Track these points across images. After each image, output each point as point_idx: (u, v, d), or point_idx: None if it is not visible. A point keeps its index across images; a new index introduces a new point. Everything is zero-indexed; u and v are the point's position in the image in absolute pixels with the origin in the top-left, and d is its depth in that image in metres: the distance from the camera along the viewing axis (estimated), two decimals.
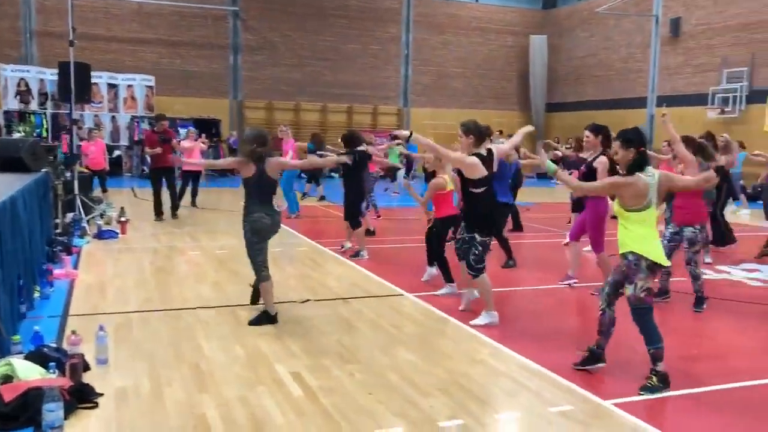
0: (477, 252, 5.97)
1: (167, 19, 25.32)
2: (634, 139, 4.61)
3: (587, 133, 7.26)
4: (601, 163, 6.97)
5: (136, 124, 23.43)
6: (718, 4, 22.34)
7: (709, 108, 22.17)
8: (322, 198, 16.61)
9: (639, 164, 4.57)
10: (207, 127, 23.07)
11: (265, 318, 5.96)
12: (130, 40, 24.82)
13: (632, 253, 4.57)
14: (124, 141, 23.61)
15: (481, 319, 6.08)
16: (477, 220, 6.01)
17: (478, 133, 5.98)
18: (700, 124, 21.83)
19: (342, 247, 9.69)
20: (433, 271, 7.72)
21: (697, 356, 5.43)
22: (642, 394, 4.47)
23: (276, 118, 26.07)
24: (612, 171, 6.41)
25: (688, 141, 7.00)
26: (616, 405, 4.28)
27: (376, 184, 13.16)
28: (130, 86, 23.75)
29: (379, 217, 12.97)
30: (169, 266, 8.42)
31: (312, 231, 11.35)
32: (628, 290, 4.60)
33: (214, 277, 7.81)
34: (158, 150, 12.18)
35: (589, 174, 6.96)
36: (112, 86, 23.51)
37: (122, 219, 10.82)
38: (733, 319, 6.57)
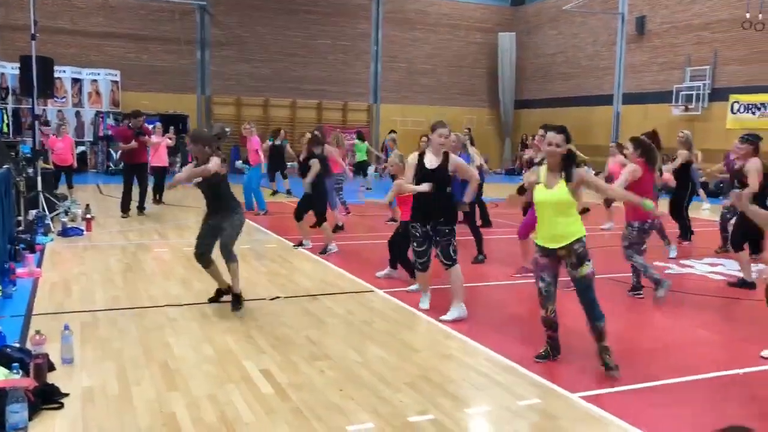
0: (455, 243, 6.21)
1: (134, 13, 24.92)
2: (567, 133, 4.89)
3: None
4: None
5: (101, 119, 23.05)
6: (681, 3, 22.74)
7: (674, 105, 22.58)
8: (289, 192, 16.58)
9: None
10: (174, 123, 22.78)
11: (239, 300, 6.24)
12: (95, 34, 24.38)
13: (582, 236, 4.83)
14: (88, 137, 23.21)
15: (451, 314, 6.15)
16: (454, 214, 6.29)
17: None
18: (664, 121, 22.24)
19: (300, 246, 9.64)
20: (394, 273, 7.79)
21: (660, 349, 5.53)
22: (611, 372, 4.74)
23: (245, 114, 25.87)
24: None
25: (637, 142, 7.09)
26: (583, 398, 4.35)
27: (347, 182, 13.22)
28: (94, 81, 23.37)
29: (348, 213, 12.96)
30: (136, 264, 8.32)
31: (281, 227, 11.31)
32: (586, 269, 4.79)
33: (182, 275, 7.74)
34: (134, 145, 12.13)
35: None
36: (76, 81, 23.11)
37: (88, 216, 10.66)
38: (695, 313, 6.71)
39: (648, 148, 7.02)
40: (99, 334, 5.46)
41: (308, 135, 9.92)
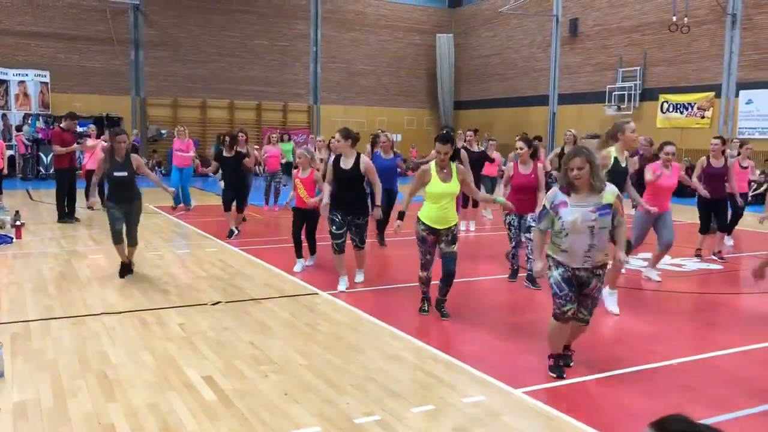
0: (366, 230, 7.39)
1: (63, 12, 24.12)
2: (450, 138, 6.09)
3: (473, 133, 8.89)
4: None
5: (29, 122, 22.20)
6: (612, 6, 23.45)
7: (607, 105, 23.26)
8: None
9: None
10: (108, 125, 22.15)
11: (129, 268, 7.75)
12: (23, 33, 23.49)
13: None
14: (14, 140, 22.31)
15: (358, 277, 7.53)
16: (368, 208, 7.43)
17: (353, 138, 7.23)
18: (598, 120, 22.91)
19: (231, 235, 10.46)
20: (306, 262, 8.43)
21: (599, 342, 5.68)
22: (445, 317, 6.07)
23: (181, 116, 25.39)
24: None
25: (525, 141, 7.72)
26: (526, 393, 4.43)
27: (275, 180, 14.65)
28: (22, 82, 22.50)
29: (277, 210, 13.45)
30: (70, 271, 8.03)
31: (221, 231, 11.12)
32: (456, 246, 6.10)
33: (119, 282, 7.52)
34: (74, 148, 11.96)
35: None
36: (2, 82, 22.22)
37: (17, 223, 10.23)
38: (630, 306, 6.91)
39: (536, 150, 7.84)
40: (31, 346, 5.25)
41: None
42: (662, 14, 21.20)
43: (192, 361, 4.94)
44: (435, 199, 6.02)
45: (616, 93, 23.00)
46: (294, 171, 8.37)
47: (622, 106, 22.80)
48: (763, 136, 19.12)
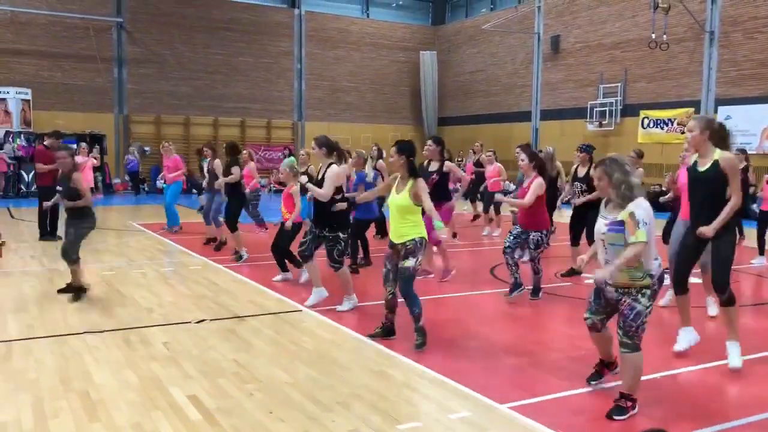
0: (340, 247, 6.99)
1: (46, 30, 24.02)
2: (407, 148, 5.90)
3: (430, 143, 8.91)
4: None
5: (10, 140, 22.03)
6: (593, 23, 23.77)
7: (588, 121, 23.51)
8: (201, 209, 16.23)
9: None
10: (91, 143, 22.05)
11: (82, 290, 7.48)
12: (4, 51, 23.35)
13: (421, 236, 5.82)
14: None
15: (345, 305, 7.03)
16: (337, 222, 7.02)
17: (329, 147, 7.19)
18: (579, 136, 23.08)
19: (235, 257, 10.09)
20: (288, 275, 8.44)
21: (583, 357, 5.71)
22: (419, 348, 5.67)
23: (165, 133, 25.31)
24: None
25: (526, 152, 7.85)
26: (511, 408, 4.44)
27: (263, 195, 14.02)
28: (3, 100, 22.33)
29: (266, 229, 12.93)
30: (52, 290, 7.94)
31: (206, 248, 11.08)
32: (410, 263, 5.72)
33: (102, 300, 7.45)
34: (57, 166, 11.73)
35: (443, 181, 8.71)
36: None
37: None
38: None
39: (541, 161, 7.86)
40: (12, 365, 5.19)
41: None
42: (642, 32, 21.51)
43: (176, 381, 4.90)
44: (391, 210, 5.96)
45: (597, 109, 23.25)
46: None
47: (603, 122, 23.06)
48: None
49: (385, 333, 6.04)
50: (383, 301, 6.06)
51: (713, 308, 6.91)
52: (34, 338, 5.95)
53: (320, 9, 29.18)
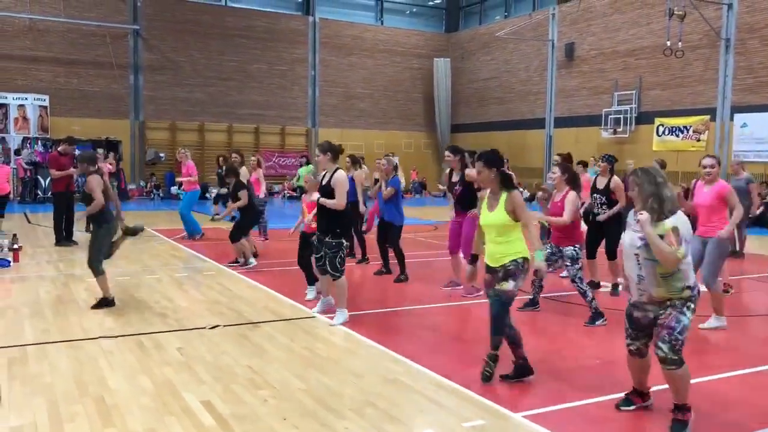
0: (342, 255, 6.75)
1: (63, 37, 24.31)
2: (495, 159, 5.21)
3: (447, 153, 8.35)
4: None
5: (28, 145, 22.27)
6: (607, 31, 23.71)
7: (603, 128, 23.41)
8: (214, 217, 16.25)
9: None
10: (107, 149, 22.22)
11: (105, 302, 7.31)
12: (22, 58, 23.65)
13: (522, 257, 5.11)
14: (14, 164, 22.34)
15: (338, 318, 6.75)
16: (339, 229, 6.73)
17: (333, 152, 6.85)
18: (594, 143, 23.02)
19: (241, 264, 10.07)
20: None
21: (600, 366, 5.66)
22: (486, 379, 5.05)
23: (180, 139, 25.49)
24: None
25: (560, 166, 7.67)
26: (526, 417, 4.40)
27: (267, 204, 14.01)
28: (21, 106, 22.59)
29: (266, 239, 12.96)
30: (67, 295, 8.01)
31: (221, 254, 11.12)
32: (507, 285, 5.03)
33: (117, 305, 7.49)
34: (71, 172, 11.91)
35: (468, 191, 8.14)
36: (1, 106, 22.30)
37: (15, 246, 10.22)
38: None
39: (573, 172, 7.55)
40: (28, 370, 5.23)
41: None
42: (657, 39, 21.42)
43: (190, 386, 4.91)
44: (485, 231, 5.30)
45: (612, 116, 23.16)
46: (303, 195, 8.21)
47: (618, 130, 22.96)
48: (759, 159, 19.23)
49: (519, 373, 5.17)
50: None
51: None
52: (49, 343, 5.99)
53: (334, 16, 29.32)
